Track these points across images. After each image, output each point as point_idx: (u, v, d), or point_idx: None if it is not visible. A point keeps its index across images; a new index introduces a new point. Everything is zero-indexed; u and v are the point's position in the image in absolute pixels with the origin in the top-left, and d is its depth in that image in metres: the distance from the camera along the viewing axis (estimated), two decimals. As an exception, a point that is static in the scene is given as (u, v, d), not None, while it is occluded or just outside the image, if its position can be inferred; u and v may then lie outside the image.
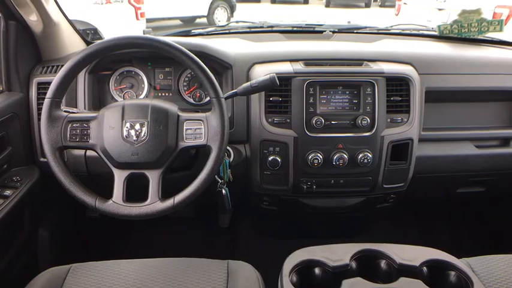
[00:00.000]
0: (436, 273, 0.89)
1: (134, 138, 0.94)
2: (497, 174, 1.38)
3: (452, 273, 0.89)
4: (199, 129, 0.96)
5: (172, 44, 0.95)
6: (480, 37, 1.57)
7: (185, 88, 1.28)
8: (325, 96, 1.19)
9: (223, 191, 1.14)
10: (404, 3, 6.47)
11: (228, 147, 1.17)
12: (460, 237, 1.64)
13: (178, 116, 0.97)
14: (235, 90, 1.07)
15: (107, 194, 0.94)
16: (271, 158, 1.18)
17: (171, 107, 0.99)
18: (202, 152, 1.17)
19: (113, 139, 0.94)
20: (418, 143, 1.25)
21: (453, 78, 1.31)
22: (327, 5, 13.43)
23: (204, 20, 8.48)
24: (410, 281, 0.86)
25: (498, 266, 1.04)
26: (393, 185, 1.26)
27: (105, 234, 1.68)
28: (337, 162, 1.17)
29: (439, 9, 5.33)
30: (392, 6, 8.29)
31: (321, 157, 1.17)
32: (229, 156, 1.17)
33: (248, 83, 1.06)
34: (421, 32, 1.70)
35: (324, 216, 1.52)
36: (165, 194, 0.95)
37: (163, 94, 1.28)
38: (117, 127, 0.94)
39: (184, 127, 0.96)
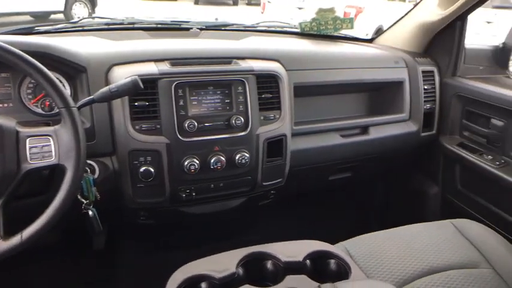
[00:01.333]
0: (318, 264, 0.91)
1: None
2: (360, 160, 1.51)
3: (332, 261, 0.92)
4: (48, 147, 0.81)
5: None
6: (336, 34, 1.69)
7: (30, 96, 1.07)
8: (196, 98, 1.12)
9: (90, 212, 1.00)
10: (269, 2, 6.82)
11: (90, 162, 1.03)
12: (339, 222, 1.77)
13: (17, 132, 0.80)
14: (92, 96, 0.93)
15: None
16: (143, 168, 1.08)
17: (6, 122, 0.80)
18: (59, 171, 1.00)
19: None
20: (291, 138, 1.28)
21: (318, 73, 1.37)
22: (196, 2, 13.43)
23: (61, 15, 7.64)
24: (295, 278, 0.86)
25: (369, 244, 1.12)
26: (272, 181, 1.27)
27: None
28: (215, 166, 1.12)
29: (299, 8, 5.76)
30: (258, 4, 8.67)
31: (198, 162, 1.11)
32: (93, 172, 1.03)
33: (107, 88, 0.93)
34: (285, 29, 1.76)
35: (208, 221, 1.47)
36: (12, 228, 0.78)
37: (0, 105, 1.06)
38: None
39: (28, 145, 0.80)
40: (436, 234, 1.17)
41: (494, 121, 1.41)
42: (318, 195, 1.75)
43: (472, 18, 1.50)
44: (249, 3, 13.99)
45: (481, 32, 4.65)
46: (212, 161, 1.12)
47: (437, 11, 1.46)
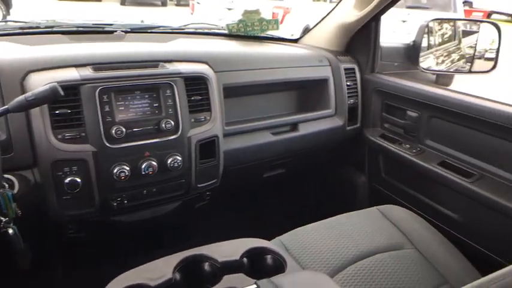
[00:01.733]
0: (256, 261, 0.93)
1: None
2: (292, 156, 1.57)
3: (269, 256, 0.94)
4: None
5: None
6: (263, 35, 1.73)
7: None
8: (123, 103, 1.09)
9: (10, 231, 0.93)
10: (198, 3, 6.77)
11: (8, 177, 0.96)
12: (276, 218, 1.81)
13: None
14: (7, 106, 0.87)
15: None
16: (69, 179, 1.02)
17: None
18: None
19: None
20: (223, 138, 1.29)
21: (246, 74, 1.39)
22: (123, 3, 12.97)
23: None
24: (232, 277, 0.87)
25: (304, 237, 1.17)
26: (207, 182, 1.28)
27: None
28: (147, 171, 1.10)
29: (229, 9, 5.79)
30: (188, 5, 8.56)
31: (128, 169, 1.08)
32: (11, 187, 0.96)
33: (22, 96, 0.87)
34: (212, 30, 1.77)
35: (143, 228, 1.43)
36: None
37: None
38: None
39: None
40: (364, 221, 1.25)
41: (409, 113, 1.54)
42: (254, 193, 1.78)
43: (389, 17, 1.61)
44: (178, 4, 13.80)
45: (397, 30, 5.01)
46: (143, 166, 1.10)
47: (354, 12, 1.55)
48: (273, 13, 5.35)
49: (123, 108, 1.09)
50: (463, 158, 1.36)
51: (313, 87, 1.59)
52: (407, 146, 1.53)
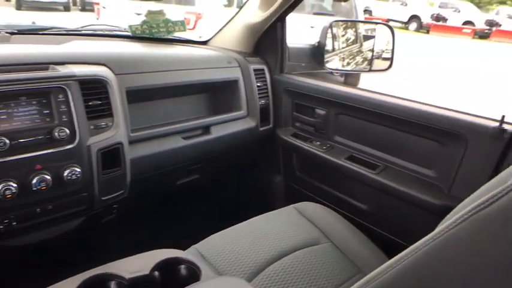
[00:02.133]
0: (168, 273, 0.87)
1: None
2: (206, 160, 1.52)
3: (182, 267, 0.89)
4: None
5: None
6: (170, 37, 1.66)
7: None
8: (5, 111, 0.96)
9: None
10: (104, 7, 6.42)
11: None
12: (194, 225, 1.74)
13: None
14: None
15: None
16: None
17: None
18: None
19: None
20: (129, 146, 1.20)
21: (151, 76, 1.32)
22: (18, 8, 11.87)
23: None
24: None
25: (221, 242, 1.14)
26: (112, 194, 1.17)
27: None
28: (39, 187, 0.98)
29: (138, 14, 5.56)
30: (93, 10, 8.09)
31: (15, 185, 0.94)
32: None
33: None
34: (114, 32, 1.66)
35: (42, 250, 1.28)
36: None
37: None
38: None
39: None
40: (281, 220, 1.26)
41: (318, 111, 1.59)
42: (167, 202, 1.70)
43: (298, 23, 1.65)
44: (83, 9, 13.01)
45: (307, 35, 5.25)
46: (34, 181, 0.97)
47: (259, 13, 1.57)
48: (185, 18, 5.27)
49: (5, 116, 0.96)
50: (368, 151, 1.43)
51: (223, 89, 1.57)
52: (318, 143, 1.57)
